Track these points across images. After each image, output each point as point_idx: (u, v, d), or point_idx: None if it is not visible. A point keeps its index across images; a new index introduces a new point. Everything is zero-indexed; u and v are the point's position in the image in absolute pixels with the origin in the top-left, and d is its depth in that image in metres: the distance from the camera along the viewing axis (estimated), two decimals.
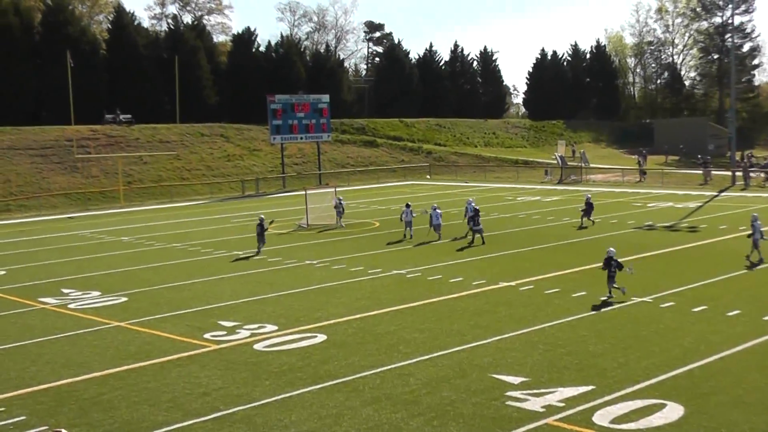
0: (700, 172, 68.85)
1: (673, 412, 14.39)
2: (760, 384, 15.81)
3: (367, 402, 15.43)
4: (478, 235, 35.39)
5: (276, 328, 21.39)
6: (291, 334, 20.72)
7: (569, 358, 17.73)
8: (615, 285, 23.68)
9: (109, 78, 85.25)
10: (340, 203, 43.50)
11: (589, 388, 15.73)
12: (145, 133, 78.11)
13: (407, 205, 38.10)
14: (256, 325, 21.69)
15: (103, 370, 18.07)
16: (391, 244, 36.04)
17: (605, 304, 22.84)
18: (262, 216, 36.98)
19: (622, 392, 15.43)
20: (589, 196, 42.32)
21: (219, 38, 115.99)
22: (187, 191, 70.38)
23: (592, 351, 18.28)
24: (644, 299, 23.32)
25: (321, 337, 20.24)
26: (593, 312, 22.02)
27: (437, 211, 37.04)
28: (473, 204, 36.88)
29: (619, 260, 23.90)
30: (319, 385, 16.48)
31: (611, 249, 24.13)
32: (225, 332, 21.08)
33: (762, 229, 29.19)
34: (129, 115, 79.80)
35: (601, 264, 24.34)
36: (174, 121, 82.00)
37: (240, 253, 34.88)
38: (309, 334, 20.58)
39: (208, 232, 43.25)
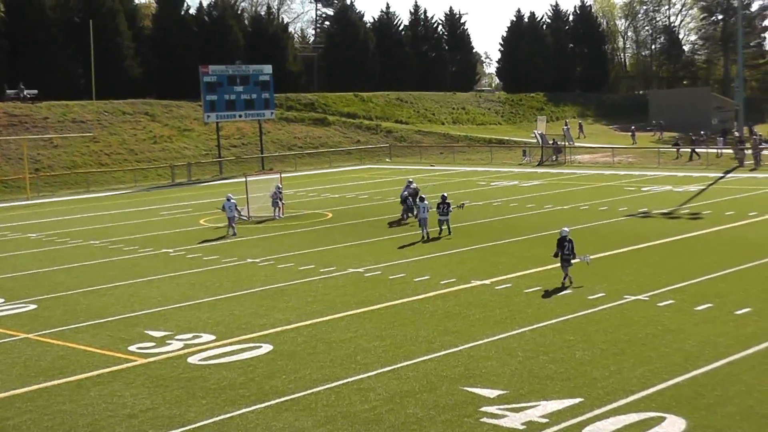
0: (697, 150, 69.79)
1: (673, 426, 14.55)
2: None
3: (321, 422, 15.42)
4: (444, 227, 35.52)
5: (213, 337, 21.30)
6: (231, 344, 20.65)
7: (553, 367, 17.86)
8: (569, 268, 25.07)
9: (10, 46, 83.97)
10: (279, 191, 43.35)
11: (577, 400, 15.87)
12: (55, 111, 77.24)
13: (421, 199, 36.10)
14: (190, 335, 21.59)
15: (8, 391, 17.86)
16: (404, 246, 35.91)
17: (587, 303, 23.07)
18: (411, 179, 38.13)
19: (615, 405, 15.57)
20: (446, 195, 37.03)
21: None
22: (106, 179, 69.76)
23: (579, 358, 18.44)
24: (640, 297, 23.54)
25: (266, 348, 20.20)
26: (581, 313, 22.17)
27: (425, 203, 35.84)
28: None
29: (587, 254, 25.18)
30: (264, 404, 16.45)
31: (565, 229, 25.72)
32: (153, 344, 20.96)
33: None
34: (35, 91, 78.81)
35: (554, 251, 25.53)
36: (90, 98, 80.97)
37: (170, 250, 34.70)
38: (252, 345, 20.53)
39: (133, 227, 42.91)
